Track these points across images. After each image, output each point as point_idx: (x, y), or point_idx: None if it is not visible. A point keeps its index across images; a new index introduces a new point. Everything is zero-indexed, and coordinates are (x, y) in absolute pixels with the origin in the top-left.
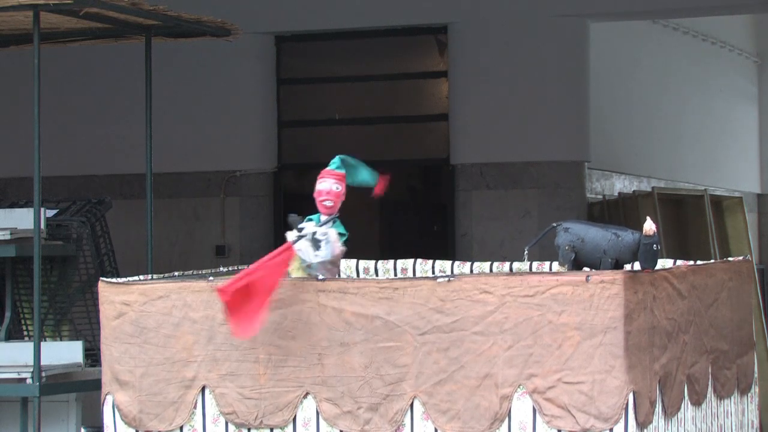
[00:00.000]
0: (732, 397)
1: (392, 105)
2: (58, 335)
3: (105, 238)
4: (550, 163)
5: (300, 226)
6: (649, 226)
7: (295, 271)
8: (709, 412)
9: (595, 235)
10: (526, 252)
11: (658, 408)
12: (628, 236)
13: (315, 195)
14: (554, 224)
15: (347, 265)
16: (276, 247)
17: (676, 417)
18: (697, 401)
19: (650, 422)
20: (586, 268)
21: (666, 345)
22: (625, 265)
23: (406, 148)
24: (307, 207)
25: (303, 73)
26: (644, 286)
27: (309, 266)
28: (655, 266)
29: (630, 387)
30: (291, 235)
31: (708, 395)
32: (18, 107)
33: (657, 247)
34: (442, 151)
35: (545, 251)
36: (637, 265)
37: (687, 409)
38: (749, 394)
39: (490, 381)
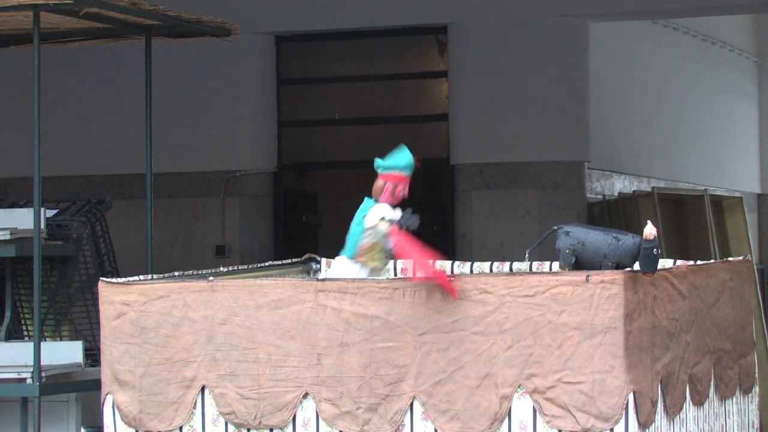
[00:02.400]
0: (734, 397)
1: (392, 105)
2: (58, 335)
3: (105, 238)
4: (550, 163)
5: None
6: (650, 230)
7: (374, 260)
8: (711, 412)
9: (596, 238)
10: (527, 254)
11: (660, 408)
12: (628, 240)
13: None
14: (554, 227)
15: None
16: (276, 248)
17: (678, 417)
18: (699, 401)
19: (652, 422)
20: None
21: (668, 345)
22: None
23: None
24: (307, 207)
25: (303, 73)
26: (644, 286)
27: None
28: (655, 270)
29: (630, 387)
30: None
31: (710, 395)
32: (18, 107)
33: (657, 251)
34: (442, 151)
35: (545, 251)
36: (636, 268)
37: (689, 409)
38: (750, 395)
39: (489, 381)
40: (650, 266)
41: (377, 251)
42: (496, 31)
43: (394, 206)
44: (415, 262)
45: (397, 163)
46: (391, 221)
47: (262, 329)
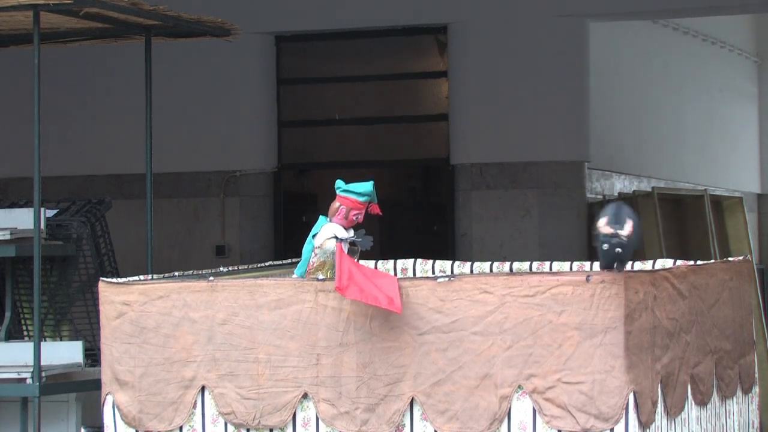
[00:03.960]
0: (735, 397)
1: (392, 105)
2: (58, 335)
3: (105, 238)
4: (550, 163)
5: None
6: (603, 222)
7: (327, 271)
8: (714, 412)
9: (604, 213)
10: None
11: (660, 408)
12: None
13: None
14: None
15: None
16: (276, 248)
17: (679, 417)
18: (702, 401)
19: (652, 422)
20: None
21: (668, 345)
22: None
23: (406, 148)
24: (308, 207)
25: (303, 73)
26: (645, 286)
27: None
28: (608, 268)
29: (630, 387)
30: (341, 239)
31: (713, 395)
32: (18, 107)
33: (612, 248)
34: (442, 151)
35: (545, 250)
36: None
37: (691, 409)
38: (750, 394)
39: (489, 381)
40: (603, 261)
41: (326, 270)
42: (495, 31)
43: (347, 229)
44: (341, 276)
45: (355, 189)
46: (339, 239)
47: (262, 329)
